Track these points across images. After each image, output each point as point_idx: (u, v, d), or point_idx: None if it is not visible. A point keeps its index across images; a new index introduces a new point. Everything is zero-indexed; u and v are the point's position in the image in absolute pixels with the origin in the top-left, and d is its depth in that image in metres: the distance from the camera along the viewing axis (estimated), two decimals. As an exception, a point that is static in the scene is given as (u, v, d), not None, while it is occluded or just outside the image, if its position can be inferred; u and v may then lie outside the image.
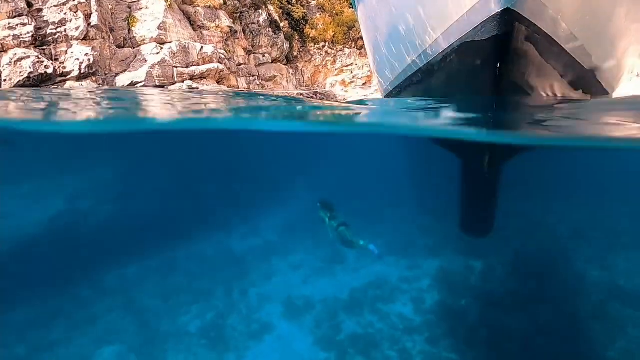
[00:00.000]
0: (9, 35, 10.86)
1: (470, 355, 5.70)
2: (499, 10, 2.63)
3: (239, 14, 18.18)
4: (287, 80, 21.24)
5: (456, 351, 5.73)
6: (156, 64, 13.32)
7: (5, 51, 10.89)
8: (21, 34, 10.98)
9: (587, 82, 4.13)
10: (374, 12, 5.40)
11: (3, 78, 10.71)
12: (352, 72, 23.21)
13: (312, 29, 22.85)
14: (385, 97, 7.83)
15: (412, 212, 10.44)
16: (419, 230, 9.87)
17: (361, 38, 21.96)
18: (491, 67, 2.94)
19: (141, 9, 14.12)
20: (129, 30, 13.76)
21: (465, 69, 3.33)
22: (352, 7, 21.23)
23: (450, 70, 3.57)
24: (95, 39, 12.23)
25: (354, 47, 23.30)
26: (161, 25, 13.83)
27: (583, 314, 6.25)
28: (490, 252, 8.16)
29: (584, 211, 9.98)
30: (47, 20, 11.59)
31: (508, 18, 2.64)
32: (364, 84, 23.01)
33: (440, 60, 3.64)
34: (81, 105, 6.33)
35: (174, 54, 13.81)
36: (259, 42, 18.96)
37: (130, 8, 14.10)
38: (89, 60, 11.75)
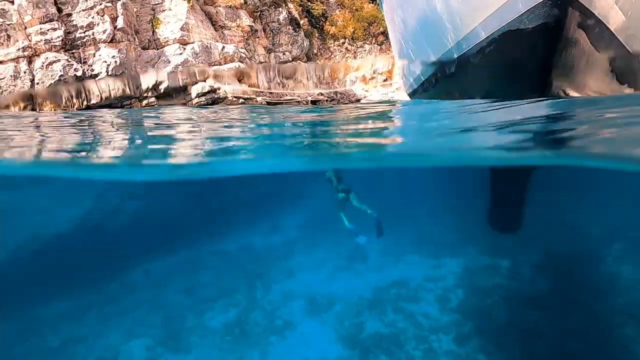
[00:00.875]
0: (41, 40, 11.28)
1: (498, 356, 5.49)
2: None
3: (259, 13, 18.23)
4: (307, 78, 21.23)
5: (483, 351, 5.53)
6: (179, 65, 13.54)
7: (38, 55, 11.32)
8: (52, 39, 11.38)
9: (637, 76, 3.79)
10: (401, 3, 5.19)
11: (36, 81, 11.15)
12: (372, 67, 22.90)
13: (332, 25, 22.64)
14: (410, 94, 7.60)
15: (438, 208, 10.19)
16: (443, 227, 9.63)
17: (382, 33, 21.59)
18: (538, 58, 2.70)
19: (164, 10, 14.37)
20: (153, 32, 14.04)
21: (506, 61, 3.09)
22: (374, 2, 20.85)
23: (489, 63, 3.31)
24: (122, 42, 12.53)
25: (374, 43, 22.96)
26: (184, 26, 14.03)
27: (614, 314, 5.93)
28: (518, 250, 7.87)
29: (615, 210, 9.50)
30: (76, 25, 11.96)
31: (561, 2, 2.41)
32: (384, 80, 22.62)
33: (476, 52, 3.40)
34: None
35: (197, 54, 13.99)
36: (279, 41, 18.97)
37: (154, 10, 14.38)
38: (115, 62, 12.06)
